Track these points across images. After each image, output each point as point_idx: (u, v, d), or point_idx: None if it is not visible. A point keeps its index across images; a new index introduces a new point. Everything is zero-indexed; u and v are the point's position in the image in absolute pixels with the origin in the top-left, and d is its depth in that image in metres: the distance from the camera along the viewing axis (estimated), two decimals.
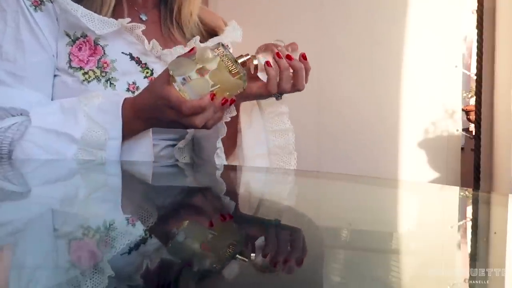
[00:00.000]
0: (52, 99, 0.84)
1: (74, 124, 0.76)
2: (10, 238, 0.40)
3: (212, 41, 0.93)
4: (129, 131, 0.78)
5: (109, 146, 0.76)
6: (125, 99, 0.78)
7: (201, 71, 0.71)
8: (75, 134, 0.75)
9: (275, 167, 0.91)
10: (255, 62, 0.76)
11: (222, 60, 0.72)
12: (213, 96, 0.71)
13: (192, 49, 0.73)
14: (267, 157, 0.90)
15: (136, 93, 0.84)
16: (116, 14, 0.87)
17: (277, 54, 0.78)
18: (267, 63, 0.77)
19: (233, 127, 0.87)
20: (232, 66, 0.72)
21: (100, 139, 0.75)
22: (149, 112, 0.75)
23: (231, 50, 0.83)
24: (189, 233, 0.43)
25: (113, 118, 0.76)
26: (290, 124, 0.92)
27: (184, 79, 0.71)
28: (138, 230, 0.43)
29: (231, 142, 0.89)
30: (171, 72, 0.72)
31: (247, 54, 0.77)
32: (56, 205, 0.53)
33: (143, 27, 0.85)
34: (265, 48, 0.79)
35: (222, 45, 0.73)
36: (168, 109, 0.72)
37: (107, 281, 0.30)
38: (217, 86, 0.72)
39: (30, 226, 0.44)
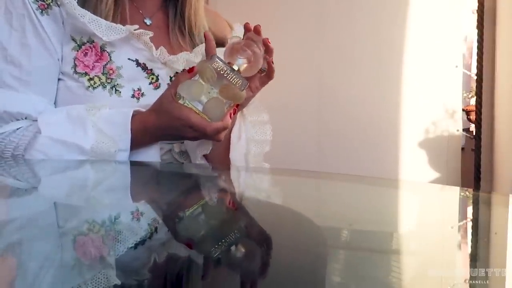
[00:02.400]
0: (54, 104, 0.84)
1: (83, 134, 0.76)
2: (20, 233, 0.40)
3: (218, 52, 0.94)
4: (137, 144, 0.80)
5: (118, 157, 0.77)
6: (135, 113, 0.79)
7: (210, 91, 0.75)
8: (84, 145, 0.76)
9: (275, 167, 0.92)
10: (235, 67, 0.76)
11: (226, 75, 0.74)
12: (231, 114, 0.77)
13: (192, 68, 0.75)
14: (243, 136, 0.93)
15: (141, 99, 0.84)
16: (119, 17, 0.86)
17: (248, 40, 0.78)
18: (249, 57, 0.77)
19: (228, 137, 0.91)
20: (236, 79, 0.74)
21: (109, 150, 0.76)
22: (163, 131, 0.78)
23: None
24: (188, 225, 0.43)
25: (122, 130, 0.77)
26: (271, 135, 0.95)
27: (198, 101, 0.75)
28: (143, 224, 0.44)
29: (227, 152, 0.91)
30: (180, 94, 0.74)
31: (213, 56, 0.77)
32: (66, 200, 0.53)
33: (151, 33, 0.85)
34: (230, 50, 0.78)
35: (217, 57, 0.75)
36: (188, 129, 0.76)
37: (119, 276, 0.30)
38: (230, 103, 0.76)
39: (47, 220, 0.44)
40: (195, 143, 0.86)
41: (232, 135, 0.92)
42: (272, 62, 0.82)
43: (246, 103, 0.88)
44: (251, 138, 0.93)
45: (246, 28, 0.79)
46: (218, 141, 0.79)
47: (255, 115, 0.95)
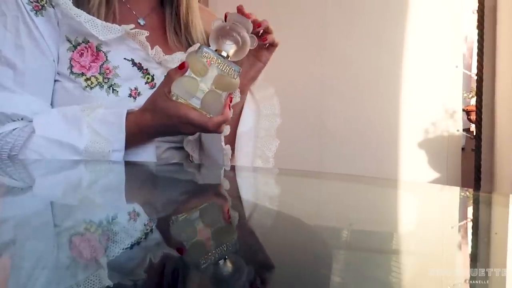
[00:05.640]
0: (52, 105, 0.84)
1: (78, 135, 0.76)
2: (13, 233, 0.40)
3: None
4: (132, 143, 0.79)
5: (112, 157, 0.77)
6: (129, 113, 0.79)
7: (204, 84, 0.73)
8: (79, 145, 0.75)
9: (275, 167, 0.92)
10: (224, 53, 0.74)
11: (217, 65, 0.73)
12: (229, 106, 0.75)
13: (183, 65, 0.73)
14: (253, 138, 0.94)
15: (138, 98, 0.84)
16: (112, 17, 0.86)
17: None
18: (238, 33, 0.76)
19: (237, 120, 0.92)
20: (227, 67, 0.73)
21: (103, 150, 0.76)
22: (159, 129, 0.78)
23: None
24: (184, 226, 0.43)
25: (116, 130, 0.77)
26: (279, 109, 0.96)
27: (194, 97, 0.73)
28: (140, 224, 0.44)
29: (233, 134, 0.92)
30: (174, 93, 0.73)
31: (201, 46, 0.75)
32: (59, 200, 0.53)
33: (146, 33, 0.85)
34: (216, 36, 0.76)
35: (205, 47, 0.73)
36: (188, 126, 0.75)
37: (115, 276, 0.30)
38: (226, 94, 0.74)
39: (40, 220, 0.44)
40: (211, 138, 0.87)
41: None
42: (271, 32, 0.83)
43: (257, 75, 0.89)
44: (261, 113, 0.94)
45: (238, 11, 0.80)
46: (219, 133, 0.79)
47: (261, 90, 0.96)
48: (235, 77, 0.74)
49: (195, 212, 0.52)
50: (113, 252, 0.35)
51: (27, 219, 0.45)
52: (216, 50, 0.74)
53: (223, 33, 0.74)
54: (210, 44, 0.75)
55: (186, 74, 0.73)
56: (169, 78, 0.74)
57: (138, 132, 0.78)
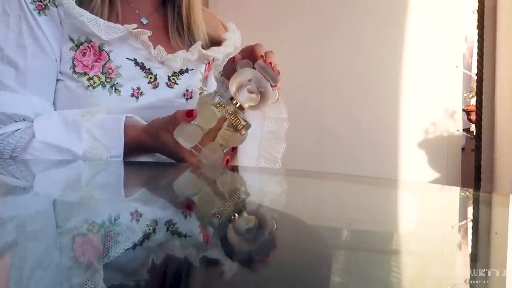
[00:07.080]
0: (54, 104, 0.84)
1: (77, 140, 0.76)
2: (17, 233, 0.40)
3: (214, 50, 0.94)
4: (131, 153, 0.80)
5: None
6: (130, 126, 0.79)
7: (209, 134, 0.70)
8: (77, 150, 0.76)
9: (275, 168, 0.92)
10: (239, 104, 0.70)
11: (227, 117, 0.68)
12: (228, 160, 0.76)
13: (191, 112, 0.71)
14: (258, 140, 0.92)
15: (140, 98, 0.84)
16: (115, 16, 0.86)
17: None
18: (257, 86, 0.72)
19: None
20: (237, 121, 0.68)
21: (102, 157, 0.76)
22: (157, 151, 0.79)
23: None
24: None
25: (115, 137, 0.78)
26: (286, 113, 0.94)
27: (196, 146, 0.71)
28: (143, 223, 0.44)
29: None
30: (175, 136, 0.71)
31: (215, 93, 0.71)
32: (56, 199, 0.53)
33: (149, 33, 0.85)
34: (237, 83, 0.72)
35: (219, 96, 0.70)
36: (182, 161, 0.76)
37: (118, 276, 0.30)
38: (228, 148, 0.73)
39: (37, 220, 0.44)
40: None
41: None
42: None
43: None
44: (267, 116, 0.93)
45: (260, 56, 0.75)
46: None
47: None
48: (243, 132, 0.70)
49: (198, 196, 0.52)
50: (114, 251, 0.35)
51: (27, 218, 0.45)
52: (231, 98, 0.69)
53: (246, 83, 0.69)
54: (229, 87, 0.70)
55: (194, 122, 0.70)
56: (175, 119, 0.73)
57: (137, 145, 0.79)
